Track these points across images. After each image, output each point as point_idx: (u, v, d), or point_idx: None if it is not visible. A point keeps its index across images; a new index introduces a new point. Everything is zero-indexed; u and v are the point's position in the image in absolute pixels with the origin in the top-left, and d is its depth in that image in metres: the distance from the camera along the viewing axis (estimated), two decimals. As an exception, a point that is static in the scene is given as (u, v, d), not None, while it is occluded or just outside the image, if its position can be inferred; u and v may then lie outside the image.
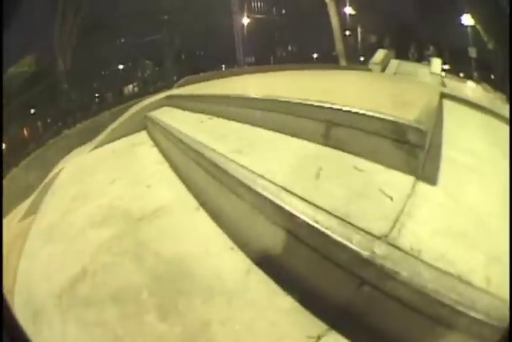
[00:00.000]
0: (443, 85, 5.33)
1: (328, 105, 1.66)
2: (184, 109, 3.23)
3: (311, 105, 1.74)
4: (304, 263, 1.10)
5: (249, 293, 1.18)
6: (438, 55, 6.39)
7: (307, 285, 1.10)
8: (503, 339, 0.74)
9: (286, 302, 1.11)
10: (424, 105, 1.89)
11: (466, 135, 2.12)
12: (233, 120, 2.34)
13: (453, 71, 6.50)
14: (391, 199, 1.15)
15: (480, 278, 0.86)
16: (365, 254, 0.90)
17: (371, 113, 1.47)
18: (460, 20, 5.97)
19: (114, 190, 2.25)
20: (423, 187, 1.28)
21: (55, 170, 3.56)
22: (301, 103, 1.81)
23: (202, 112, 2.79)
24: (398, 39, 6.48)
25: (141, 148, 3.05)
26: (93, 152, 3.50)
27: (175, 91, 4.28)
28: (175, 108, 3.49)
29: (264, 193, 1.20)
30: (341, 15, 6.35)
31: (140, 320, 1.18)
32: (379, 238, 0.96)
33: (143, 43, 6.60)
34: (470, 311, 0.76)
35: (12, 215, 3.21)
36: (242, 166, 1.44)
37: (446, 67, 6.39)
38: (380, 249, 0.91)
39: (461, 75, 6.54)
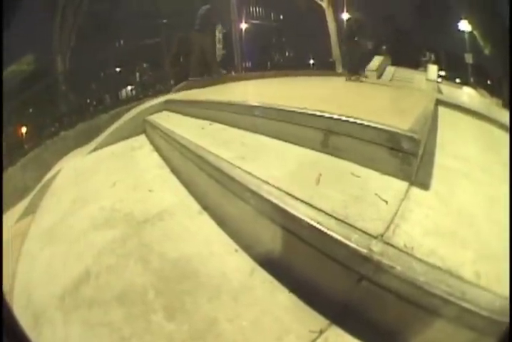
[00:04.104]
0: (439, 91, 5.50)
1: (326, 115, 1.77)
2: (183, 114, 3.32)
3: (311, 115, 1.85)
4: (306, 262, 1.20)
5: (254, 291, 1.26)
6: (435, 62, 6.55)
7: (309, 282, 1.19)
8: (503, 337, 0.80)
9: (289, 299, 1.20)
10: (419, 113, 2.01)
11: (459, 142, 2.25)
12: (234, 126, 2.44)
13: (450, 77, 6.67)
14: (386, 202, 1.26)
15: (470, 272, 0.96)
16: (363, 251, 1.00)
17: (367, 123, 1.58)
18: (457, 26, 6.14)
19: (115, 193, 2.32)
20: (416, 191, 1.39)
21: (52, 171, 3.63)
22: (300, 112, 1.91)
23: (202, 117, 2.88)
24: (394, 45, 6.65)
25: (141, 152, 3.14)
26: (91, 155, 3.58)
27: (173, 96, 4.36)
28: (174, 113, 3.58)
29: (270, 198, 1.30)
30: (339, 21, 6.53)
31: (147, 320, 1.23)
32: (375, 237, 1.06)
33: (142, 46, 6.70)
34: (461, 302, 0.86)
35: (8, 215, 3.23)
36: (247, 172, 1.54)
37: (443, 73, 6.56)
38: (377, 247, 1.01)
39: (458, 81, 6.73)
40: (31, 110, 6.43)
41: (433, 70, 6.32)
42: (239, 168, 1.59)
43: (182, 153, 2.22)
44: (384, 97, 2.98)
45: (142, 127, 3.66)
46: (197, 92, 4.43)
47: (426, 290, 0.90)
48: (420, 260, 0.99)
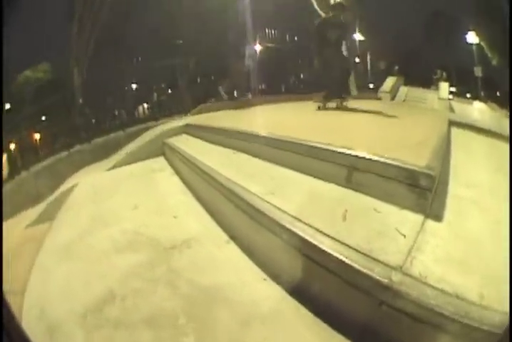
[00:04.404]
0: (451, 109, 5.67)
1: (350, 152, 1.92)
2: (204, 139, 3.49)
3: (335, 152, 2.00)
4: (332, 290, 1.37)
5: (283, 316, 1.42)
6: (446, 79, 6.74)
7: (333, 307, 1.36)
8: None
9: (316, 323, 1.36)
10: (434, 145, 2.15)
11: (471, 166, 2.41)
12: (257, 157, 2.58)
13: (461, 92, 6.85)
14: (404, 236, 1.44)
15: (474, 295, 1.13)
16: (384, 281, 1.19)
17: (388, 161, 1.74)
18: (465, 38, 6.36)
19: (137, 216, 2.45)
20: (430, 224, 1.55)
21: (68, 184, 3.78)
22: (325, 149, 2.06)
23: (222, 145, 3.05)
24: (406, 65, 6.85)
25: (161, 175, 3.29)
26: (109, 172, 3.75)
27: (192, 119, 4.57)
28: (193, 137, 3.76)
29: (300, 233, 1.48)
30: (351, 41, 6.75)
31: (178, 343, 1.33)
32: (395, 268, 1.24)
33: (159, 66, 6.97)
34: (464, 319, 1.03)
35: (17, 219, 3.43)
36: (279, 208, 1.70)
37: (454, 89, 6.75)
38: (396, 277, 1.20)
39: (468, 95, 6.91)
40: (46, 119, 6.64)
41: (444, 88, 6.51)
42: (270, 204, 1.76)
43: (206, 181, 2.38)
44: (400, 128, 3.03)
45: (162, 150, 3.86)
46: (215, 116, 4.64)
47: (436, 311, 1.08)
48: (432, 286, 1.17)
